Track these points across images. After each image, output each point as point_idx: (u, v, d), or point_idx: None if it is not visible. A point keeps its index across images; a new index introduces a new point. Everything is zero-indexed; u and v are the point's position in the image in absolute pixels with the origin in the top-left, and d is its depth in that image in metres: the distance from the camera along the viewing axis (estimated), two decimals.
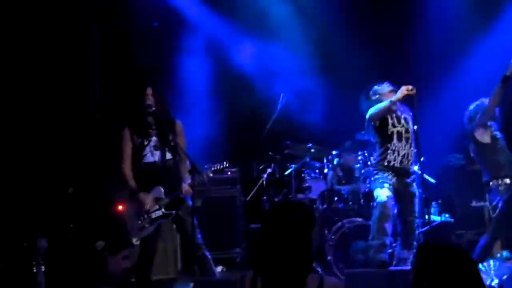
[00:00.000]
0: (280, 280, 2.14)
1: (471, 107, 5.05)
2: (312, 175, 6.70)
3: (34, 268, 3.88)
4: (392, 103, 4.66)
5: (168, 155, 4.57)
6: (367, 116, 4.79)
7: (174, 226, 5.09)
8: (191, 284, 3.87)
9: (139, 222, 4.49)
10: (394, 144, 4.75)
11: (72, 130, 6.46)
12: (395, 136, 4.75)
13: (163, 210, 4.50)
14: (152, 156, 4.53)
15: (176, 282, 5.23)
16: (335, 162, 6.46)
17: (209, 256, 4.62)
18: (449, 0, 7.20)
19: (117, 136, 4.73)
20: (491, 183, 4.91)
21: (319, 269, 5.29)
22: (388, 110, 4.71)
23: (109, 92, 6.85)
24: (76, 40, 6.68)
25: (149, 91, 4.54)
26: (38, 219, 5.51)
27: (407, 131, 4.78)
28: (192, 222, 4.38)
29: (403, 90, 4.60)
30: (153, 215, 4.49)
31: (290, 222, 2.18)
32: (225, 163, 4.55)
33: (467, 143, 5.14)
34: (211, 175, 4.54)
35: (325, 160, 6.54)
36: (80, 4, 6.64)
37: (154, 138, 4.56)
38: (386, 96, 4.79)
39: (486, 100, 4.90)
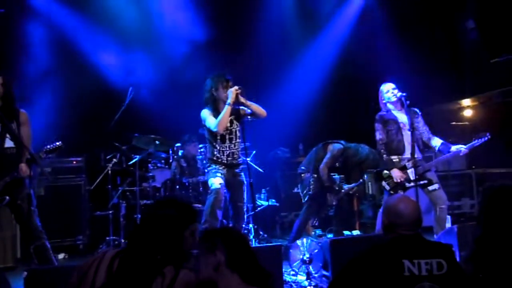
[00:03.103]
0: (136, 265, 2.07)
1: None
2: (158, 165, 6.62)
3: None
4: (229, 105, 4.67)
5: (9, 143, 4.20)
6: (213, 126, 4.66)
7: (13, 214, 4.66)
8: (25, 273, 3.51)
9: None
10: (219, 144, 4.82)
11: None
12: (218, 138, 4.83)
13: None
14: None
15: (10, 271, 4.75)
16: (179, 154, 6.44)
17: (48, 245, 4.28)
18: (281, 10, 7.64)
19: None
20: (302, 174, 5.36)
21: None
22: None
23: None
24: None
25: (0, 79, 4.17)
26: None
27: (231, 133, 4.82)
28: (29, 210, 4.02)
29: (233, 91, 4.66)
30: None
31: (160, 218, 2.14)
32: (57, 143, 4.23)
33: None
34: (43, 156, 4.20)
35: (170, 151, 6.50)
36: None
37: None
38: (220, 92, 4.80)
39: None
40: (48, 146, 4.21)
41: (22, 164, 4.10)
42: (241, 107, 4.80)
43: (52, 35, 6.72)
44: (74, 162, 6.22)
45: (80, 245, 6.02)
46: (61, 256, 5.74)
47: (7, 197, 4.14)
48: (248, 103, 4.73)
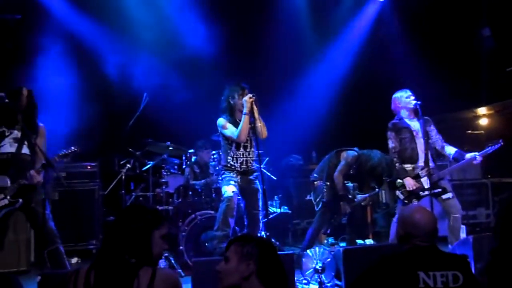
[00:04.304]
0: (113, 273, 2.11)
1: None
2: (172, 171, 6.64)
3: None
4: (247, 114, 4.70)
5: (26, 150, 4.32)
6: (235, 136, 4.72)
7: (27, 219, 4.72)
8: (38, 277, 3.54)
9: None
10: (233, 151, 4.85)
11: None
12: (234, 145, 4.85)
13: (8, 198, 4.16)
14: (10, 147, 4.27)
15: (24, 275, 4.80)
16: (193, 160, 6.46)
17: (62, 250, 4.34)
18: (296, 17, 7.65)
19: None
20: (315, 182, 5.34)
21: (171, 258, 5.22)
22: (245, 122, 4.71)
23: None
24: None
25: (25, 92, 4.35)
26: None
27: (246, 141, 4.85)
28: (43, 214, 4.08)
29: (247, 100, 4.68)
30: None
31: (129, 223, 2.20)
32: (73, 148, 4.35)
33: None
34: (58, 159, 4.32)
35: (183, 157, 6.52)
36: None
37: (16, 132, 4.31)
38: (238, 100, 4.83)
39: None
40: (63, 151, 4.30)
41: (32, 170, 4.19)
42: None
43: (67, 40, 6.78)
44: (89, 167, 6.27)
45: (93, 250, 6.04)
46: (74, 260, 5.77)
47: (20, 200, 4.21)
48: (257, 117, 4.74)
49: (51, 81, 6.56)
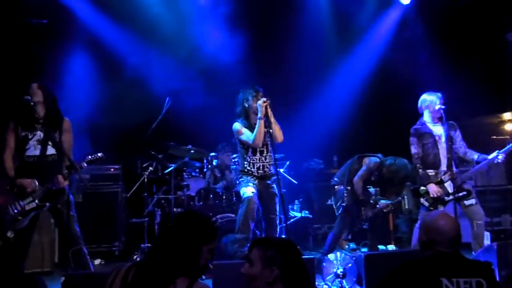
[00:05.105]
0: (151, 275, 2.11)
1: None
2: (193, 174, 6.70)
3: None
4: (261, 119, 4.69)
5: (51, 150, 4.34)
6: (250, 140, 4.72)
7: (52, 219, 4.81)
8: (62, 278, 3.61)
9: (13, 214, 4.15)
10: (249, 156, 4.84)
11: None
12: (250, 150, 4.85)
13: (36, 201, 4.24)
14: (35, 149, 4.30)
15: (48, 276, 4.89)
16: (214, 163, 6.50)
17: (86, 251, 4.40)
18: (318, 22, 7.63)
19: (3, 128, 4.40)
20: (335, 186, 5.32)
21: None
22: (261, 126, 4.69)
23: None
24: None
25: (35, 86, 4.35)
26: None
27: (262, 145, 4.84)
28: (68, 215, 4.15)
29: (261, 104, 4.66)
30: (27, 207, 4.22)
31: (181, 230, 2.18)
32: (99, 154, 4.38)
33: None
34: (85, 165, 4.35)
35: (204, 161, 6.57)
36: None
37: (39, 133, 4.33)
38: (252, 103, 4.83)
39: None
40: (90, 157, 4.35)
41: (59, 175, 4.23)
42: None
43: (92, 44, 6.91)
44: (112, 170, 6.36)
45: (116, 252, 6.12)
46: (97, 262, 5.86)
47: (48, 204, 4.28)
48: (273, 120, 4.73)
49: (76, 84, 6.70)
